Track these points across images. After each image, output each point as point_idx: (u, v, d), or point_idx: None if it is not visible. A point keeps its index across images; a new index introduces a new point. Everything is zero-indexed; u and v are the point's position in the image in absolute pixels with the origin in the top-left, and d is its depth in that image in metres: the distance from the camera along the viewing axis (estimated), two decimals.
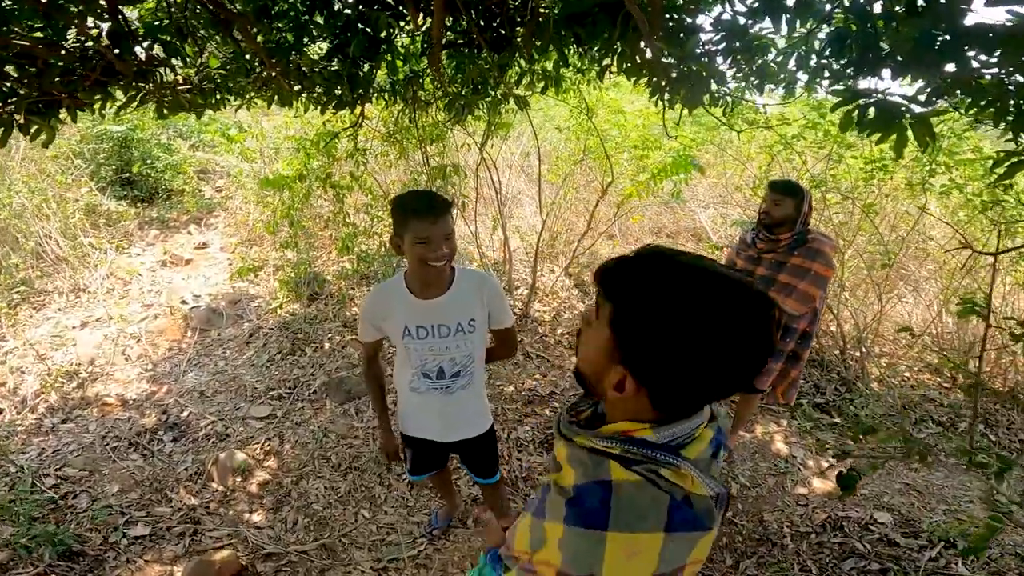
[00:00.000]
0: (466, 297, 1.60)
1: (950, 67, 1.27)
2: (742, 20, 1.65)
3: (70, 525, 2.29)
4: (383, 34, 2.01)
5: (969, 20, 1.20)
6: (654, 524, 0.62)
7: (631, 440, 0.66)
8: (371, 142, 4.22)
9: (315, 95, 2.35)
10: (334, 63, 2.13)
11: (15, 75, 1.57)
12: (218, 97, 2.21)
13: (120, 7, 1.53)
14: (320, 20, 1.98)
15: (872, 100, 1.36)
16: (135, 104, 1.89)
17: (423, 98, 3.13)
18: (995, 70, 1.27)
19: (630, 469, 0.65)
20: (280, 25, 1.96)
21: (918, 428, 3.11)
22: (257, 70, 2.10)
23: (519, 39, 2.01)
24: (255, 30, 1.82)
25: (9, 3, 1.46)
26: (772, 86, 2.00)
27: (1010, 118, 1.32)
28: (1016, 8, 1.14)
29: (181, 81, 2.03)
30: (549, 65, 2.48)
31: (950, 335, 3.80)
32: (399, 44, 2.48)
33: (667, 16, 1.62)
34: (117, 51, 1.57)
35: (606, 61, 2.05)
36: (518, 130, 5.76)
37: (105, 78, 1.67)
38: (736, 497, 2.54)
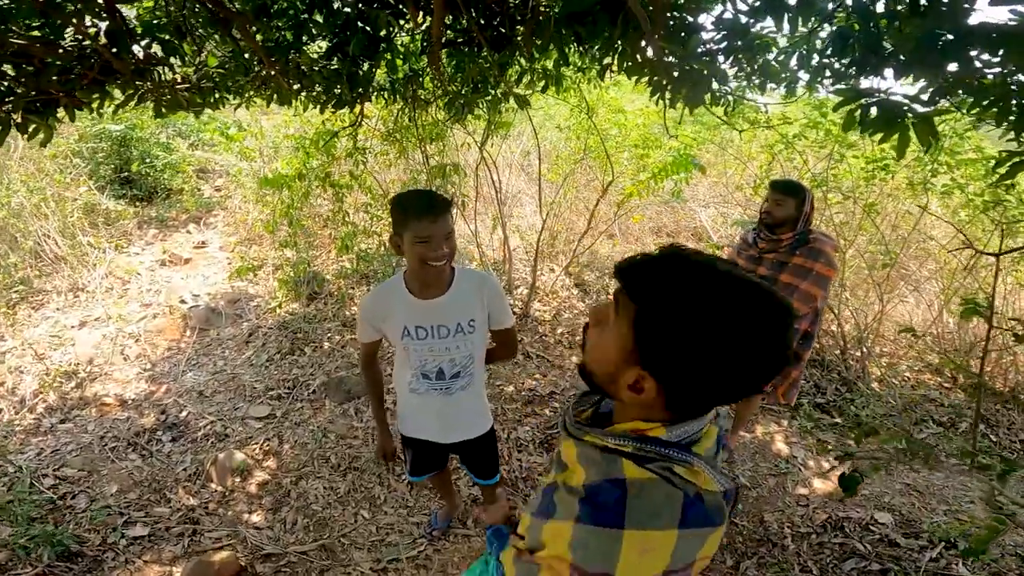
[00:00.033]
0: (466, 297, 1.59)
1: (952, 67, 1.26)
2: (744, 19, 1.64)
3: (69, 525, 2.28)
4: (383, 32, 2.00)
5: (972, 19, 1.19)
6: (668, 521, 0.62)
7: (644, 438, 0.67)
8: (371, 141, 4.21)
9: (314, 94, 2.34)
10: (333, 62, 2.12)
11: (12, 74, 1.56)
12: (217, 96, 2.20)
13: (118, 5, 1.52)
14: (319, 18, 1.97)
15: (874, 99, 1.35)
16: (133, 103, 1.88)
17: (423, 97, 3.12)
18: (997, 69, 1.26)
19: (644, 467, 0.65)
20: (279, 23, 1.95)
21: (918, 428, 3.10)
22: (256, 69, 2.09)
23: (519, 38, 2.00)
24: (254, 28, 1.81)
25: (7, 2, 1.45)
26: (774, 85, 2.00)
27: (1012, 118, 1.31)
28: (1019, 7, 1.13)
29: (179, 80, 2.02)
30: (549, 64, 2.47)
31: (950, 335, 3.79)
32: (399, 43, 2.47)
33: (668, 15, 1.61)
34: (115, 50, 1.55)
35: (607, 60, 2.04)
36: (518, 129, 5.76)
37: (103, 77, 1.66)
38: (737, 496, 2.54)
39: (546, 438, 2.94)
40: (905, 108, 1.31)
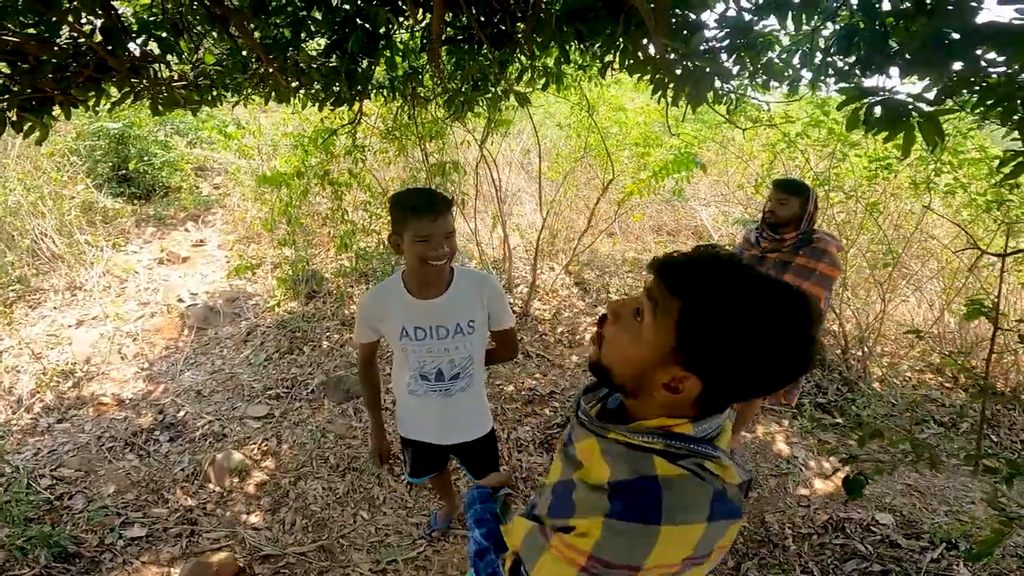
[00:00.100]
0: (465, 297, 1.57)
1: (958, 66, 1.25)
2: (747, 16, 1.63)
3: (66, 526, 2.27)
4: (382, 30, 1.98)
5: (980, 18, 1.18)
6: (700, 516, 0.63)
7: (671, 435, 0.67)
8: (370, 139, 4.19)
9: (313, 91, 2.32)
10: (332, 59, 2.10)
11: (7, 72, 1.54)
12: (214, 94, 2.18)
13: (113, 2, 1.50)
14: (318, 15, 1.95)
15: (879, 98, 1.33)
16: (129, 101, 1.86)
17: (422, 94, 3.10)
18: (1002, 69, 1.25)
19: (676, 463, 0.66)
20: (277, 20, 1.93)
21: (920, 428, 3.09)
22: (254, 66, 2.07)
23: (520, 35, 1.98)
24: (252, 25, 1.79)
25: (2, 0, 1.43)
26: (776, 83, 1.98)
27: (1017, 117, 1.30)
28: None
29: (176, 77, 2.00)
30: (550, 61, 2.45)
31: (951, 335, 3.79)
32: (398, 40, 2.45)
33: (671, 12, 1.59)
34: (110, 47, 1.54)
35: (608, 57, 2.02)
36: (518, 127, 5.74)
37: (98, 74, 1.64)
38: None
39: (546, 438, 2.92)
40: (910, 107, 1.30)
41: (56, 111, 1.72)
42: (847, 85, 1.65)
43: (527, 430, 2.97)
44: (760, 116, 3.82)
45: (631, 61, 1.82)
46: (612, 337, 0.72)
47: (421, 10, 1.91)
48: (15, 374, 3.42)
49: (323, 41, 2.17)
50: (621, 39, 1.75)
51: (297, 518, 2.41)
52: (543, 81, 2.45)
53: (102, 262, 4.72)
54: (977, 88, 1.32)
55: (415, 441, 1.79)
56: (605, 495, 0.66)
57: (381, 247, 4.24)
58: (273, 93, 2.22)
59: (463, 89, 2.61)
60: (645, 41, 1.70)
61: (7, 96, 1.55)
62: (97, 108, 1.88)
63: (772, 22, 1.62)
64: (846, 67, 1.67)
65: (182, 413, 3.10)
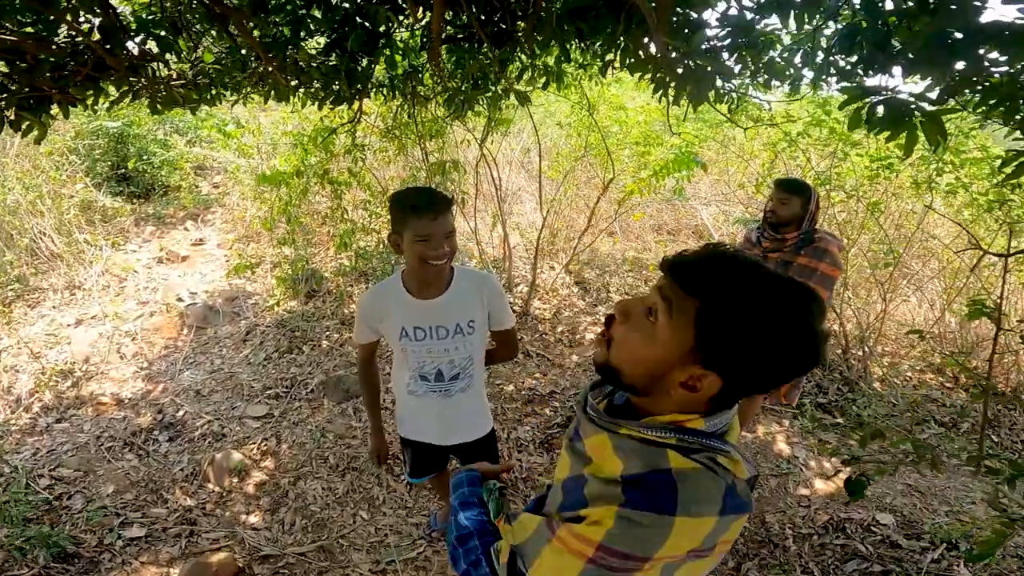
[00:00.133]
0: (465, 297, 1.57)
1: (960, 65, 1.24)
2: (749, 15, 1.62)
3: (65, 526, 2.27)
4: (382, 28, 1.97)
5: (983, 18, 1.17)
6: (713, 509, 0.64)
7: (684, 430, 0.68)
8: (369, 138, 4.18)
9: (312, 90, 2.31)
10: (332, 58, 2.09)
11: (5, 71, 1.53)
12: (213, 92, 2.17)
13: (111, 1, 1.49)
14: (318, 14, 1.94)
15: (881, 98, 1.33)
16: (128, 99, 1.85)
17: (422, 93, 3.09)
18: (1005, 68, 1.24)
19: (689, 457, 0.66)
20: (277, 19, 1.92)
21: (920, 428, 3.09)
22: (253, 65, 2.06)
23: (520, 34, 1.98)
24: (251, 24, 1.78)
25: None
26: (778, 83, 1.97)
27: (1020, 116, 1.30)
28: None
29: (175, 76, 1.99)
30: (550, 60, 2.44)
31: (952, 335, 3.78)
32: (398, 38, 2.44)
33: (672, 10, 1.59)
34: (108, 46, 1.53)
35: (609, 56, 2.01)
36: (518, 126, 5.73)
37: (97, 73, 1.63)
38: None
39: (546, 438, 2.92)
40: (912, 107, 1.29)
41: (54, 110, 1.72)
42: (849, 84, 1.64)
43: (527, 430, 2.97)
44: (761, 115, 3.81)
45: (632, 60, 1.81)
46: (622, 338, 0.72)
47: (421, 8, 1.90)
48: (14, 373, 3.41)
49: (323, 39, 2.17)
50: (622, 38, 1.74)
51: (297, 518, 2.40)
52: (543, 80, 2.45)
53: (101, 261, 4.71)
54: (979, 88, 1.32)
55: (415, 441, 1.78)
56: (619, 487, 0.66)
57: (381, 246, 4.23)
58: (272, 92, 2.21)
59: (463, 88, 2.60)
60: (646, 40, 1.69)
61: (5, 95, 1.54)
62: (96, 107, 1.87)
63: (774, 21, 1.62)
64: (848, 66, 1.66)
65: (181, 413, 3.09)
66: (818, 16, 1.68)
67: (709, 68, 1.64)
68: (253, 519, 2.40)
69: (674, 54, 1.60)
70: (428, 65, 2.55)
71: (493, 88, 2.64)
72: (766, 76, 1.91)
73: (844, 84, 1.69)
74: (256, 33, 1.87)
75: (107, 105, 1.89)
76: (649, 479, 0.65)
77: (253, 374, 3.45)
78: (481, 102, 2.95)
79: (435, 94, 3.13)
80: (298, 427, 2.97)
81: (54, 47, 1.54)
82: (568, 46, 2.11)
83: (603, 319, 0.76)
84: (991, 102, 1.31)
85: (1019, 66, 1.22)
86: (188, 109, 2.15)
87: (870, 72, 1.55)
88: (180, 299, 4.30)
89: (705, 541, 0.64)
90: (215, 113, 4.75)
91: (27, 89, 1.55)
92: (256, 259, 4.67)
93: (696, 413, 0.69)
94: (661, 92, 1.85)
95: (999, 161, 1.95)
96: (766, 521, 2.39)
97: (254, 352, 3.71)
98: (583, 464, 0.74)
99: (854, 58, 1.58)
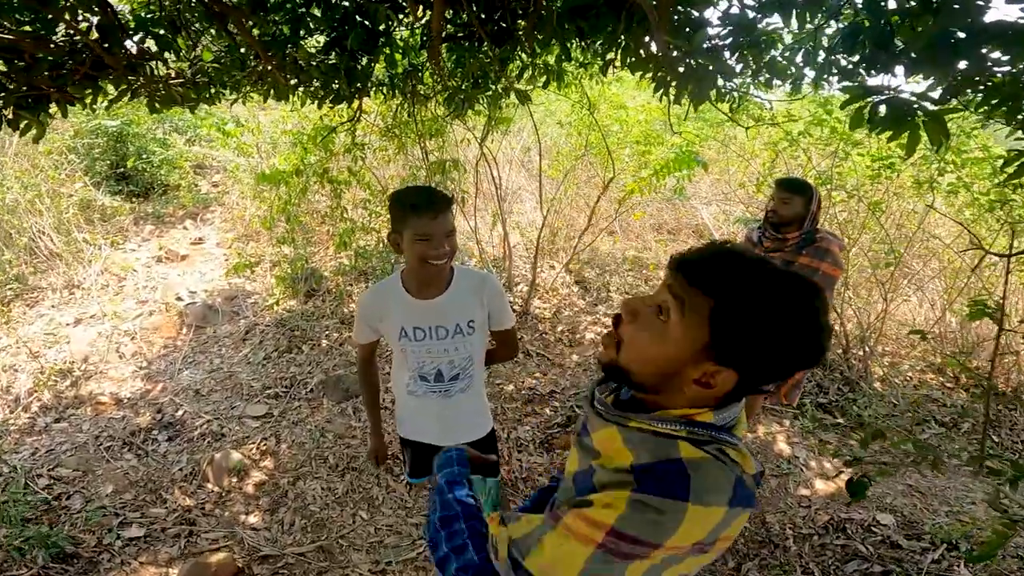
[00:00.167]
0: (465, 297, 1.56)
1: (963, 65, 1.24)
2: (751, 14, 1.61)
3: (64, 526, 2.26)
4: (382, 27, 1.96)
5: (987, 17, 1.16)
6: (723, 499, 0.64)
7: (694, 423, 0.68)
8: (369, 137, 4.17)
9: (312, 89, 2.30)
10: (331, 56, 2.08)
11: (3, 70, 1.52)
12: (212, 91, 2.16)
13: (110, 0, 1.49)
14: (317, 12, 1.93)
15: (883, 97, 1.32)
16: (126, 98, 1.84)
17: (422, 92, 3.08)
18: (1008, 68, 1.24)
19: (700, 449, 0.67)
20: (276, 18, 1.91)
21: (921, 429, 3.09)
22: (252, 64, 2.05)
23: (521, 32, 1.97)
24: (250, 23, 1.77)
25: None
26: (779, 82, 1.97)
27: (1022, 116, 1.29)
28: None
29: (174, 75, 1.98)
30: (551, 59, 2.43)
31: (953, 335, 3.78)
32: (398, 37, 2.43)
33: (673, 9, 1.58)
34: (106, 45, 1.52)
35: (610, 55, 2.01)
36: (519, 125, 5.72)
37: (95, 72, 1.62)
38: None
39: (546, 438, 2.91)
40: (915, 106, 1.29)
41: (52, 109, 1.71)
42: (851, 84, 1.63)
43: (527, 430, 2.96)
44: (763, 115, 3.80)
45: (633, 59, 1.80)
46: (632, 337, 0.71)
47: (421, 7, 1.89)
48: (13, 373, 3.40)
49: (322, 38, 2.16)
50: (623, 36, 1.74)
51: (296, 518, 2.40)
52: (544, 79, 2.44)
53: (100, 260, 4.70)
54: (982, 87, 1.31)
55: (414, 442, 1.78)
56: (630, 475, 0.66)
57: (380, 245, 4.22)
58: (272, 90, 2.21)
59: (463, 87, 2.59)
60: (647, 38, 1.69)
61: (3, 94, 1.53)
62: (94, 106, 1.86)
63: (775, 20, 1.61)
64: (850, 66, 1.65)
65: (180, 412, 3.09)
66: (820, 15, 1.68)
67: (710, 67, 1.64)
68: (252, 519, 2.40)
69: (675, 53, 1.59)
70: (428, 64, 2.54)
71: (493, 87, 2.64)
72: (767, 75, 1.91)
73: (846, 83, 1.68)
74: (255, 31, 1.86)
75: (106, 104, 1.88)
76: (660, 468, 0.65)
77: (252, 373, 3.45)
78: (481, 101, 2.94)
79: (435, 93, 3.12)
80: (297, 427, 2.97)
81: (52, 46, 1.53)
82: (569, 45, 2.10)
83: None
84: (993, 102, 1.30)
85: (1021, 66, 1.21)
86: (187, 108, 2.15)
87: (872, 71, 1.54)
88: (179, 298, 4.29)
89: (710, 534, 0.64)
90: (214, 112, 4.74)
91: (25, 88, 1.54)
92: (255, 258, 4.67)
93: (706, 407, 0.69)
94: (662, 91, 1.85)
95: (1001, 161, 1.95)
96: (766, 521, 2.39)
97: (253, 351, 3.70)
98: (592, 458, 0.74)
99: (856, 57, 1.57)
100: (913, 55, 1.36)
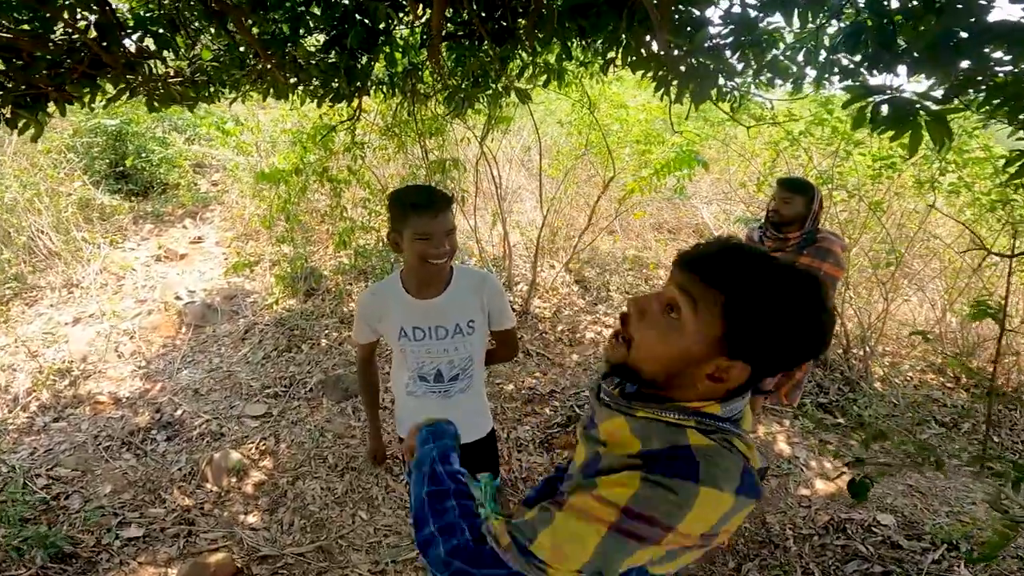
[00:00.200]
0: (465, 297, 1.55)
1: (965, 64, 1.23)
2: (752, 13, 1.60)
3: (62, 526, 2.26)
4: (382, 25, 1.95)
5: (991, 17, 1.16)
6: (731, 486, 0.64)
7: (702, 414, 0.69)
8: (369, 135, 4.16)
9: (312, 88, 2.29)
10: (331, 55, 2.07)
11: (1, 68, 1.51)
12: (211, 90, 2.15)
13: None
14: (317, 11, 1.92)
15: (886, 97, 1.32)
16: (125, 97, 1.83)
17: (422, 91, 3.07)
18: (1010, 67, 1.23)
19: (708, 437, 0.68)
20: (276, 16, 1.90)
21: (921, 429, 3.08)
22: (252, 62, 2.04)
23: (521, 31, 1.96)
24: (250, 21, 1.76)
25: None
26: (780, 81, 1.96)
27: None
28: None
29: (172, 73, 1.97)
30: (551, 58, 2.43)
31: (954, 335, 3.77)
32: (398, 36, 2.42)
33: (675, 8, 1.57)
34: (105, 43, 1.51)
35: (610, 54, 2.00)
36: (519, 124, 5.70)
37: (93, 71, 1.61)
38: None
39: (546, 437, 2.91)
40: (917, 106, 1.28)
41: (51, 107, 1.70)
42: (852, 83, 1.63)
43: (527, 429, 2.96)
44: (764, 114, 3.79)
45: (634, 58, 1.80)
46: (643, 335, 0.71)
47: (421, 5, 1.88)
48: (11, 372, 3.40)
49: (322, 37, 2.15)
50: (624, 35, 1.73)
51: (295, 518, 2.39)
52: (544, 78, 2.43)
53: (99, 259, 4.69)
54: (984, 87, 1.31)
55: None
56: (639, 460, 0.67)
57: (380, 244, 4.22)
58: (271, 89, 2.20)
59: (463, 85, 2.59)
60: (648, 37, 1.68)
61: (1, 93, 1.52)
62: (93, 105, 1.85)
63: (777, 19, 1.61)
64: (851, 65, 1.65)
65: (179, 412, 3.08)
66: (822, 14, 1.67)
67: (712, 66, 1.63)
68: (251, 519, 2.39)
69: (676, 52, 1.59)
70: (428, 62, 2.53)
71: (493, 86, 2.63)
72: (769, 74, 1.90)
73: (847, 83, 1.68)
74: (255, 30, 1.85)
75: (104, 103, 1.87)
76: (668, 454, 0.66)
77: (251, 373, 3.44)
78: (481, 100, 2.94)
79: (435, 92, 3.12)
80: (297, 426, 2.96)
81: (50, 44, 1.52)
82: (569, 43, 2.09)
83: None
84: (995, 101, 1.30)
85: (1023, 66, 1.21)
86: (186, 107, 2.14)
87: (874, 71, 1.53)
88: (178, 297, 4.28)
89: (717, 523, 0.64)
90: (214, 111, 4.73)
91: (23, 87, 1.53)
92: (255, 257, 4.66)
93: (713, 399, 0.70)
94: (663, 90, 1.84)
95: (1002, 161, 1.95)
96: (767, 522, 2.38)
97: (253, 351, 3.69)
98: (598, 447, 0.74)
99: (858, 57, 1.56)
100: (916, 55, 1.36)
